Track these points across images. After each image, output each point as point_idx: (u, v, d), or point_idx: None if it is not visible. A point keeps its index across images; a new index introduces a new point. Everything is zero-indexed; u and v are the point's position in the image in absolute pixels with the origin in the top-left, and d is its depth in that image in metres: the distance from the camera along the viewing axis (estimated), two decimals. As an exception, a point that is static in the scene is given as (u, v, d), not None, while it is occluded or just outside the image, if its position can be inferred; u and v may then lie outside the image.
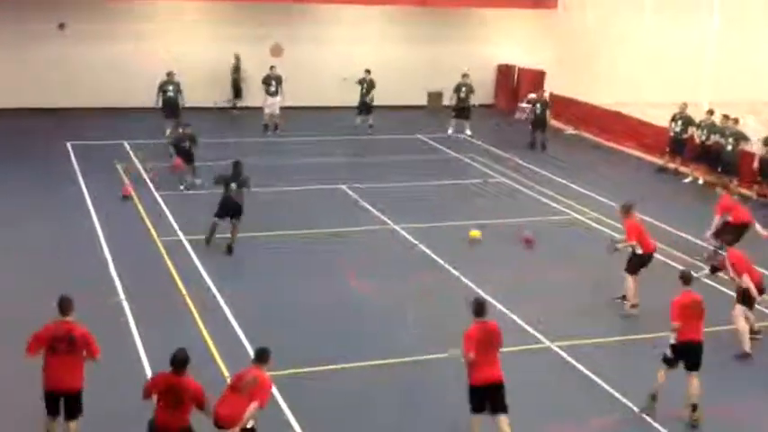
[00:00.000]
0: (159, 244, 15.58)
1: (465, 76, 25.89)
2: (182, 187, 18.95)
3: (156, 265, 14.64)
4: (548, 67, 28.65)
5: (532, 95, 26.06)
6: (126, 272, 14.14)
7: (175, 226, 16.51)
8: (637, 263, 13.59)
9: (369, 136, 25.12)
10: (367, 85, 25.34)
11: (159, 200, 18.15)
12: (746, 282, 12.43)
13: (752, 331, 12.82)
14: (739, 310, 12.58)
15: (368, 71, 25.37)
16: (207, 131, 24.38)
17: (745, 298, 12.61)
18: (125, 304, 12.94)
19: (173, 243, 15.61)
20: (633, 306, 13.54)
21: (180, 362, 8.71)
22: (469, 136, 25.50)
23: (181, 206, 17.76)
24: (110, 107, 25.82)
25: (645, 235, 13.70)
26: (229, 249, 15.33)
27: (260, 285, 13.97)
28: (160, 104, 23.39)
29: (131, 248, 15.36)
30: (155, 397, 8.86)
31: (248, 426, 8.85)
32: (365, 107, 25.44)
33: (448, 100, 26.36)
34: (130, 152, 21.81)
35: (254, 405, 8.74)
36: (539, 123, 24.83)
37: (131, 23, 26.57)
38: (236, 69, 26.76)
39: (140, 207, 17.63)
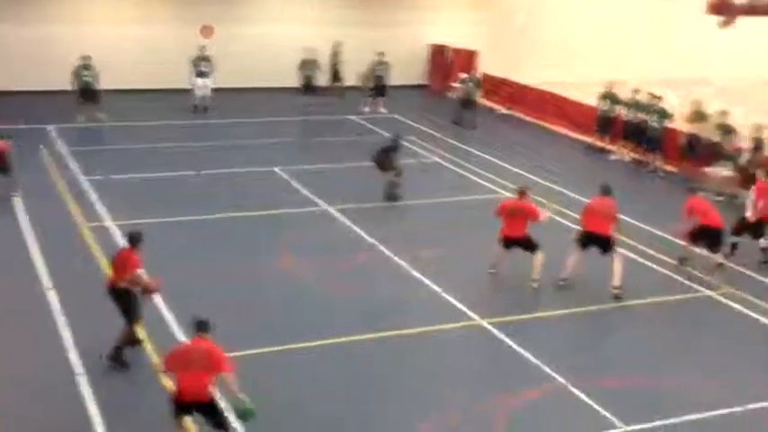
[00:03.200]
0: (85, 229, 15.32)
1: (380, 54, 26.01)
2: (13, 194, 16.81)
3: (83, 250, 14.38)
4: (481, 47, 28.85)
5: (465, 75, 26.23)
6: (50, 258, 13.86)
7: (103, 211, 16.23)
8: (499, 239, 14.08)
9: (306, 117, 25.06)
10: (311, 65, 25.30)
11: (86, 185, 17.82)
12: None
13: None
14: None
15: (311, 50, 25.28)
16: (133, 115, 24.11)
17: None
18: (51, 292, 12.70)
19: (99, 229, 15.35)
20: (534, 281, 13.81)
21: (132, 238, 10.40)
22: (383, 113, 25.65)
23: (109, 190, 17.45)
24: (28, 90, 25.17)
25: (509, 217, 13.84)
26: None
27: (191, 269, 13.82)
28: (76, 89, 22.94)
29: (56, 234, 15.06)
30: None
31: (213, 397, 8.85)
32: (309, 87, 25.40)
33: (363, 79, 26.51)
34: (55, 136, 21.35)
35: (229, 376, 8.74)
36: (467, 102, 25.10)
37: (50, 5, 25.93)
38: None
39: (66, 191, 17.29)
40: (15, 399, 10.05)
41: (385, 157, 17.75)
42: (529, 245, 13.66)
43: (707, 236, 14.26)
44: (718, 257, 14.39)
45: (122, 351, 10.72)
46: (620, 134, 22.30)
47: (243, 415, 8.91)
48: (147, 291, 10.85)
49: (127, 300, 10.63)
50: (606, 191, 13.87)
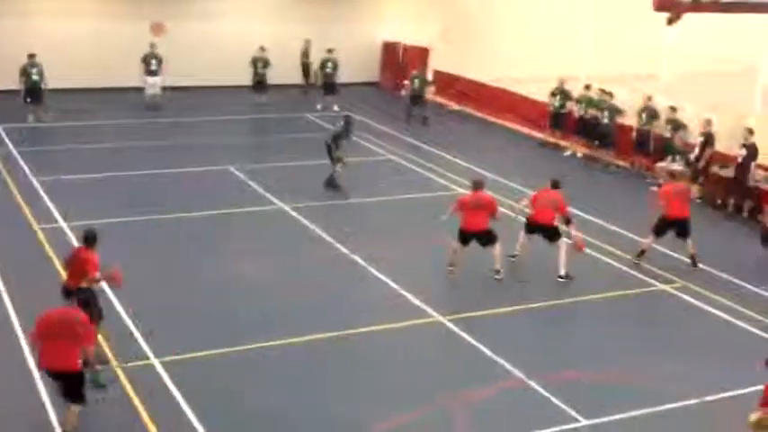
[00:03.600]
0: (38, 231, 15.05)
1: (329, 51, 26.03)
2: None
3: (35, 253, 14.12)
4: (432, 43, 28.95)
5: (415, 72, 26.37)
6: (3, 261, 13.58)
7: (55, 213, 15.96)
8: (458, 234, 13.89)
9: (261, 115, 24.95)
10: (262, 62, 25.12)
11: (37, 185, 17.51)
12: None
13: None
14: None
15: (263, 48, 25.12)
16: (84, 114, 23.74)
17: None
18: (5, 296, 12.46)
19: (53, 231, 15.09)
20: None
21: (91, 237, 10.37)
22: (336, 111, 25.67)
23: (60, 191, 17.17)
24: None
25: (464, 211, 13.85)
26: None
27: (146, 270, 13.65)
28: (23, 88, 22.50)
29: (8, 237, 14.77)
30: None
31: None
32: (260, 85, 25.25)
33: (313, 76, 26.53)
34: (4, 137, 20.94)
35: (89, 349, 9.03)
36: (416, 98, 25.27)
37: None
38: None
39: (17, 193, 16.97)
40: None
41: (332, 143, 18.03)
42: (489, 237, 13.79)
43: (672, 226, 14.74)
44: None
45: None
46: (573, 130, 22.56)
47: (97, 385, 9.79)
48: (113, 283, 10.80)
49: (86, 300, 10.32)
50: (554, 184, 14.36)
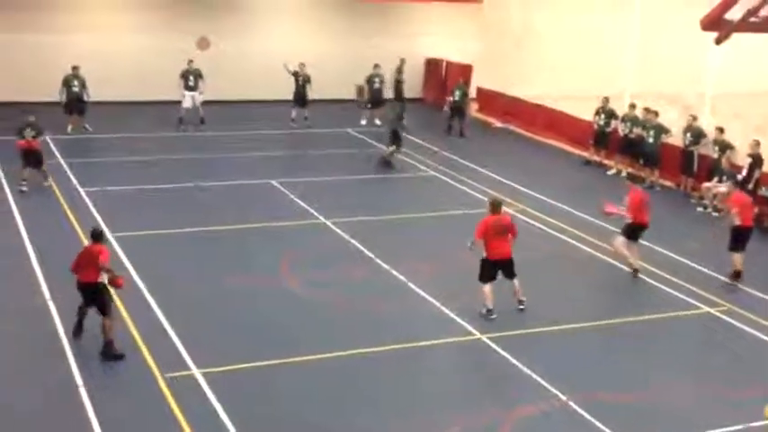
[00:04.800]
0: (85, 241, 15.26)
1: (377, 66, 26.14)
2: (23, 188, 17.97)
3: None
4: (475, 60, 28.97)
5: (457, 84, 26.44)
6: (51, 271, 13.81)
7: (102, 223, 16.18)
8: (483, 267, 13.05)
9: (304, 129, 25.12)
10: (303, 78, 25.29)
11: (84, 196, 17.79)
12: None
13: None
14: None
15: (302, 64, 25.29)
16: (123, 126, 24.09)
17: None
18: (51, 304, 12.67)
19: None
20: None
21: (97, 235, 11.46)
22: (378, 125, 25.74)
23: (106, 202, 17.42)
24: (26, 101, 25.06)
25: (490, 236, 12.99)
26: None
27: (190, 282, 13.81)
28: (64, 99, 22.90)
29: (56, 247, 15.01)
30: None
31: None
32: (301, 100, 25.40)
33: (359, 92, 26.62)
34: (53, 148, 21.31)
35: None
36: (457, 111, 25.35)
37: (49, 15, 25.92)
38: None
39: (64, 203, 17.26)
40: (18, 413, 10.01)
41: (398, 128, 21.10)
42: (513, 266, 13.00)
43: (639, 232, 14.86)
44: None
45: (113, 344, 11.14)
46: (617, 149, 22.37)
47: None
48: (114, 283, 11.38)
49: (102, 293, 11.26)
50: (496, 206, 13.15)
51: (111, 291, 11.50)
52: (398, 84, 27.64)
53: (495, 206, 13.06)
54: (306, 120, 25.34)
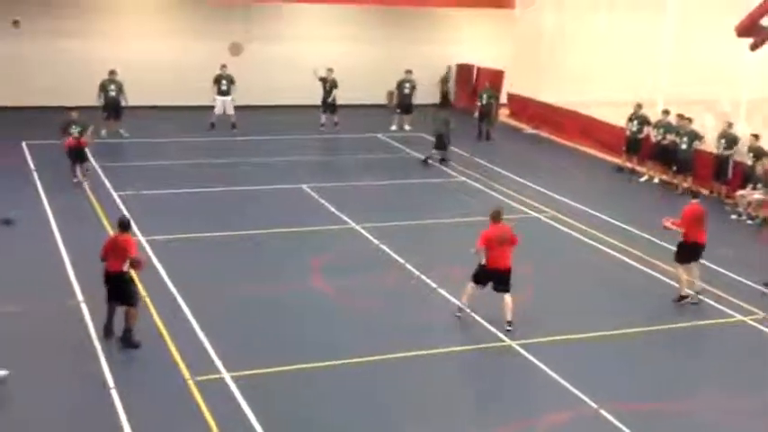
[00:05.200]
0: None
1: (408, 72, 26.18)
2: (78, 180, 19.09)
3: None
4: (506, 66, 28.89)
5: (484, 87, 26.46)
6: (84, 273, 13.96)
7: (133, 225, 16.31)
8: (479, 272, 12.91)
9: (333, 135, 25.20)
10: (330, 83, 25.36)
11: (117, 200, 17.97)
12: None
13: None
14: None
15: (330, 69, 25.37)
16: (156, 131, 24.31)
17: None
18: (83, 306, 12.80)
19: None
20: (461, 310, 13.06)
21: (124, 224, 11.70)
22: (408, 131, 25.77)
23: (139, 206, 17.58)
24: (64, 106, 25.41)
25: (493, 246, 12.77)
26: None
27: (220, 286, 13.89)
28: (102, 103, 23.15)
29: (90, 249, 15.14)
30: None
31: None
32: (329, 105, 25.48)
33: (389, 97, 26.64)
34: (87, 152, 21.52)
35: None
36: (485, 114, 25.35)
37: (87, 21, 26.28)
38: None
39: (97, 207, 17.44)
40: (51, 412, 10.12)
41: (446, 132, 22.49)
42: (509, 279, 12.76)
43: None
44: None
45: (132, 333, 11.45)
46: (650, 155, 22.18)
47: None
48: (135, 266, 11.70)
49: (128, 283, 11.52)
50: (496, 215, 12.90)
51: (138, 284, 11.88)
52: (445, 90, 27.62)
53: (496, 216, 12.84)
54: (336, 125, 25.40)
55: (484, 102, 25.69)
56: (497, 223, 12.83)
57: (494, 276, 12.76)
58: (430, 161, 22.17)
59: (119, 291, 11.54)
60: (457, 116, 28.81)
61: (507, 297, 12.70)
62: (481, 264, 12.86)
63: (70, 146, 19.02)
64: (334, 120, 25.49)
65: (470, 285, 12.92)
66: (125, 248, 11.46)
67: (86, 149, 19.27)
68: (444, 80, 28.21)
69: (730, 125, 20.54)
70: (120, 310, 11.67)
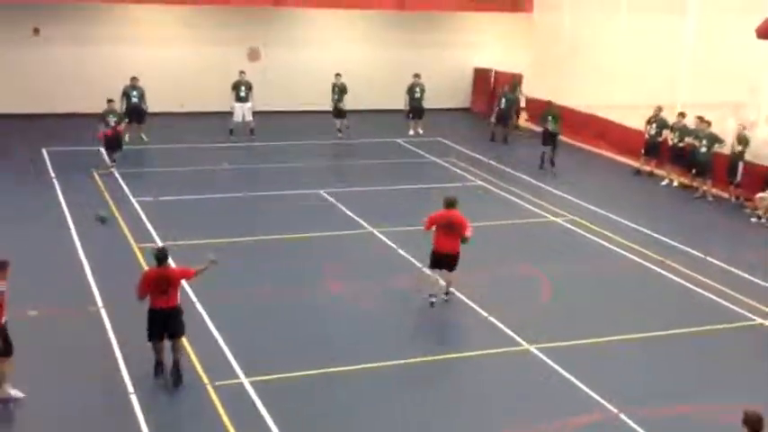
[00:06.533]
0: (137, 250, 15.52)
1: (417, 76, 26.16)
2: (111, 166, 20.52)
3: (134, 272, 14.52)
4: (524, 69, 28.85)
5: (504, 91, 26.40)
6: (104, 280, 14.06)
7: (153, 233, 16.44)
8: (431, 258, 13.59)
9: (346, 140, 25.19)
10: (338, 88, 25.33)
11: (136, 206, 18.08)
12: None
13: None
14: None
15: (338, 75, 25.38)
16: (175, 137, 24.44)
17: None
18: (103, 312, 12.89)
19: (150, 249, 15.49)
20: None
21: (162, 257, 10.86)
22: (420, 135, 25.77)
23: (158, 212, 17.68)
24: (84, 113, 25.65)
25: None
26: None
27: (238, 291, 13.94)
28: (124, 110, 23.32)
29: (109, 256, 15.28)
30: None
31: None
32: (338, 111, 25.44)
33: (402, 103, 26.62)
34: (106, 158, 21.71)
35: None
36: (503, 118, 25.36)
37: (106, 28, 26.47)
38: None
39: (117, 214, 17.55)
40: (71, 416, 10.20)
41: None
42: (454, 261, 13.42)
43: None
44: None
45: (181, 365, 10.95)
46: (668, 158, 22.06)
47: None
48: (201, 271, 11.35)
49: (181, 314, 11.00)
50: (450, 203, 13.54)
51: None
52: (510, 103, 26.48)
53: (447, 203, 13.48)
54: (347, 128, 25.34)
55: (503, 106, 25.67)
56: (449, 210, 13.36)
57: (442, 259, 13.34)
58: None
59: (170, 325, 10.78)
60: (474, 120, 28.91)
61: (451, 275, 13.42)
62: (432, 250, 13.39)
63: (107, 135, 20.56)
64: (346, 124, 25.43)
65: (428, 272, 13.60)
66: (179, 280, 10.96)
67: (123, 137, 21.05)
68: (512, 90, 27.26)
69: (744, 128, 20.40)
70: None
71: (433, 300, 13.47)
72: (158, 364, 10.87)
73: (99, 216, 15.16)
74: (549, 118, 24.33)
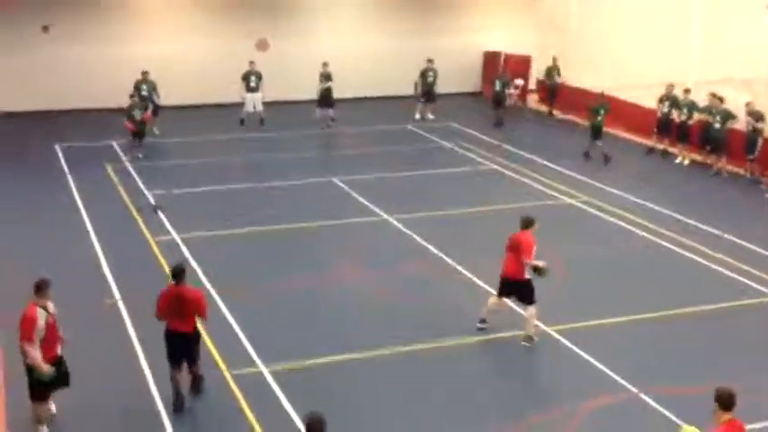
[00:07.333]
0: (152, 243, 15.55)
1: (430, 61, 26.03)
2: (140, 155, 21.23)
3: (150, 264, 14.60)
4: (533, 52, 28.70)
5: (519, 81, 26.25)
6: (120, 272, 14.12)
7: (168, 225, 16.48)
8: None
9: (361, 127, 25.18)
10: (324, 77, 25.08)
11: (150, 198, 18.12)
12: None
13: None
14: None
15: (325, 63, 25.12)
16: (186, 129, 24.46)
17: None
18: (121, 305, 12.94)
19: (166, 242, 15.58)
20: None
21: (178, 273, 10.08)
22: (431, 119, 25.69)
23: (172, 204, 17.71)
24: (96, 108, 25.73)
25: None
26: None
27: (255, 281, 13.97)
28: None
29: (124, 248, 15.33)
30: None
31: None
32: (326, 100, 25.15)
33: (415, 88, 26.47)
34: (119, 152, 21.76)
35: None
36: (498, 101, 25.31)
37: (116, 23, 26.46)
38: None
39: (131, 207, 17.60)
40: (92, 408, 10.25)
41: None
42: (525, 291, 11.99)
43: None
44: None
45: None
46: (681, 136, 21.92)
47: None
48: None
49: (198, 339, 10.42)
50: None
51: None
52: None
53: (520, 222, 12.09)
54: (332, 120, 25.02)
55: (497, 89, 25.62)
56: (522, 230, 11.97)
57: (504, 285, 12.10)
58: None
59: (187, 350, 10.22)
60: (484, 104, 28.79)
61: (527, 308, 12.01)
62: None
63: (134, 131, 21.37)
64: (330, 115, 25.11)
65: (493, 297, 12.37)
66: (196, 308, 10.07)
67: (148, 126, 22.04)
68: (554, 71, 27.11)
69: (747, 104, 20.26)
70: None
71: (480, 326, 12.31)
72: (177, 395, 10.20)
73: (154, 206, 16.62)
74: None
